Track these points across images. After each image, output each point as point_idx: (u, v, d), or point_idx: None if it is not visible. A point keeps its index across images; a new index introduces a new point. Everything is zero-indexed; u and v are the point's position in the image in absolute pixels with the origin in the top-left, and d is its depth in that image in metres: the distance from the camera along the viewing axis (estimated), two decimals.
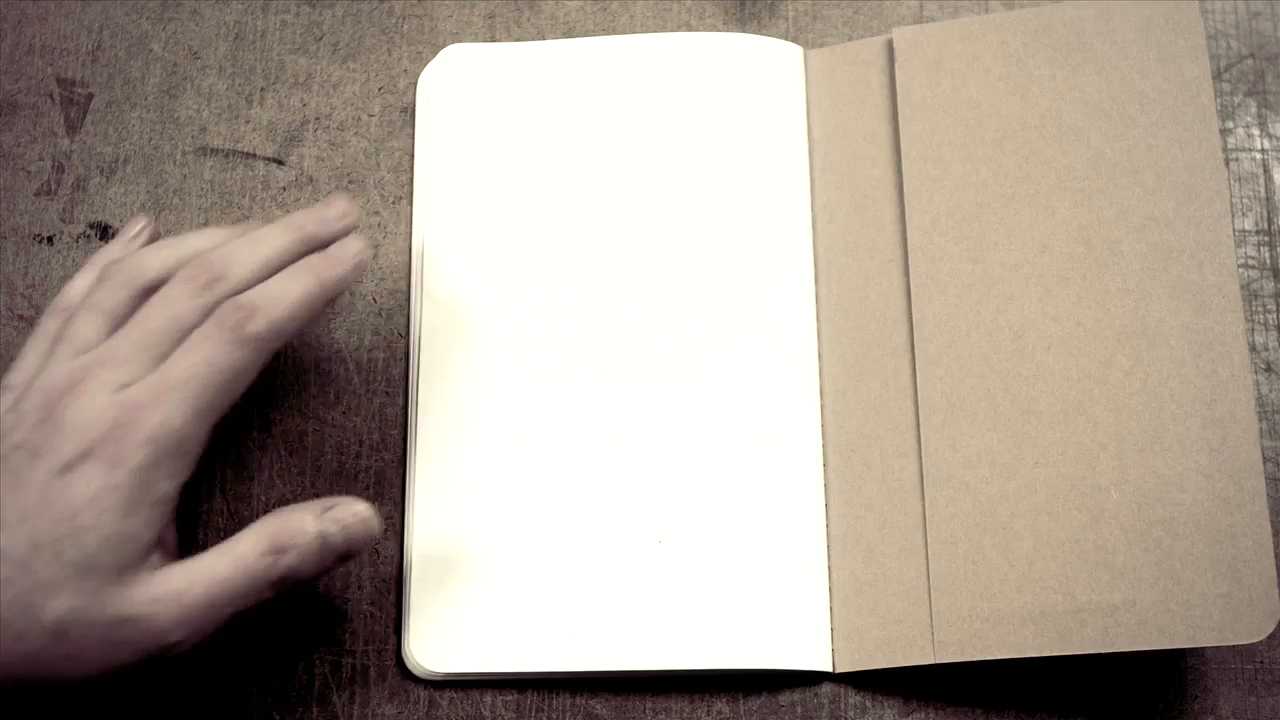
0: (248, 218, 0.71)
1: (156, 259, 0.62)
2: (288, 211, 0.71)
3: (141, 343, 0.59)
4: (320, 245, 0.63)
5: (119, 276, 0.62)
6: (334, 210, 0.64)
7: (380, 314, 0.70)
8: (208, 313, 0.60)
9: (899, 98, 0.69)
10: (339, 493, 0.66)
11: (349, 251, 0.63)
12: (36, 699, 0.58)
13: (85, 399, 0.58)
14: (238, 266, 0.61)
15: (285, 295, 0.60)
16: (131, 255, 0.63)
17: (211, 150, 0.73)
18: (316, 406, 0.69)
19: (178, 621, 0.57)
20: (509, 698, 0.65)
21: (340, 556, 0.60)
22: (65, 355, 0.60)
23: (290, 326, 0.60)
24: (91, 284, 0.63)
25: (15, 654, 0.56)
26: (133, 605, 0.57)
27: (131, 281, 0.61)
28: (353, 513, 0.60)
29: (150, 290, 0.61)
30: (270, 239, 0.62)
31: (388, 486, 0.68)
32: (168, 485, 0.58)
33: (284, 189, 0.72)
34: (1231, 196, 0.71)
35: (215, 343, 0.58)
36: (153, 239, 0.67)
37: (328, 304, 0.62)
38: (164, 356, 0.59)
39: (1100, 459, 0.63)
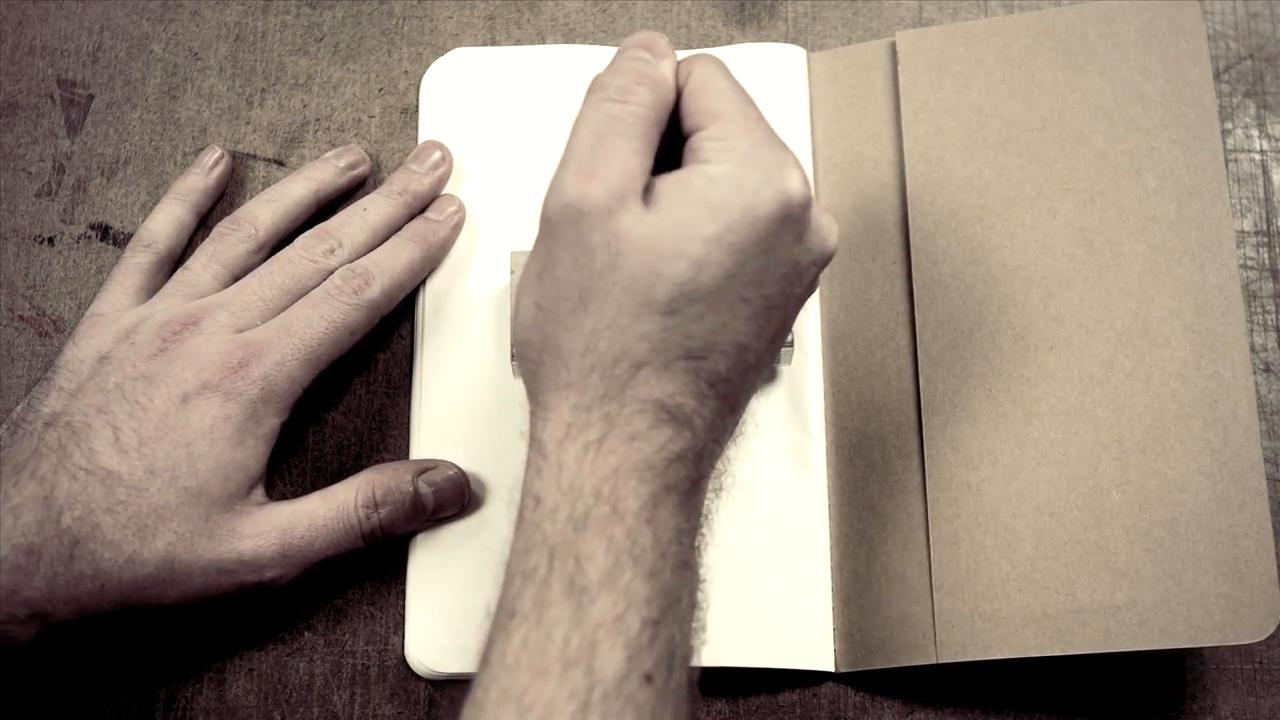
0: None
1: (267, 215, 0.68)
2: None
3: (263, 294, 0.64)
4: (423, 204, 0.70)
5: (236, 231, 0.67)
6: (427, 162, 0.71)
7: None
8: (324, 276, 0.65)
9: (902, 100, 0.69)
10: None
11: (447, 213, 0.70)
12: (132, 623, 0.61)
13: (205, 336, 0.62)
14: (352, 238, 0.67)
15: (395, 264, 0.67)
16: (243, 211, 0.68)
17: None
18: (316, 406, 0.69)
19: (277, 557, 0.61)
20: None
21: (430, 516, 0.65)
22: (183, 296, 0.65)
23: (399, 294, 0.67)
24: (173, 218, 0.69)
25: (126, 577, 0.59)
26: (238, 536, 0.61)
27: (250, 238, 0.67)
28: (445, 476, 0.65)
29: (264, 245, 0.68)
30: (377, 208, 0.69)
31: None
32: (274, 422, 0.62)
33: None
34: (1231, 198, 0.71)
35: (335, 303, 0.64)
36: (227, 170, 0.72)
37: (432, 268, 0.70)
38: (279, 311, 0.64)
39: (1102, 460, 0.63)
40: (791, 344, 0.65)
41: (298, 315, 0.63)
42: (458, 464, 0.66)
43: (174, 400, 0.60)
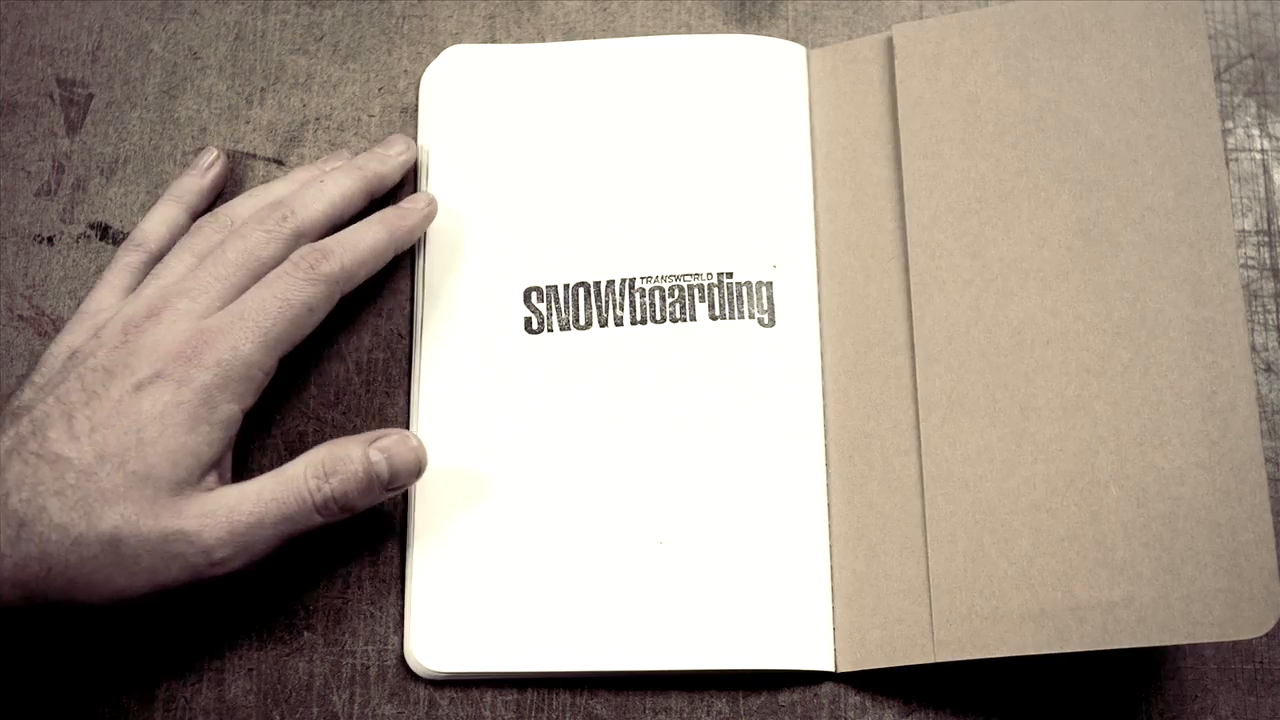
0: None
1: (244, 207, 0.68)
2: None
3: (218, 274, 0.64)
4: (384, 185, 0.70)
5: (213, 224, 0.67)
6: (394, 149, 0.71)
7: (380, 314, 0.70)
8: (281, 248, 0.65)
9: (898, 94, 0.69)
10: None
11: (418, 205, 0.69)
12: (86, 617, 0.61)
13: (165, 325, 0.62)
14: (306, 205, 0.67)
15: (358, 242, 0.66)
16: (225, 207, 0.68)
17: None
18: (316, 406, 0.69)
19: (225, 537, 0.60)
20: (509, 697, 0.65)
21: (386, 485, 0.63)
22: (153, 290, 0.64)
23: (360, 270, 0.66)
24: (167, 218, 0.69)
25: (73, 559, 0.58)
26: (184, 518, 0.60)
27: (224, 229, 0.67)
28: (401, 443, 0.64)
29: None
30: (335, 180, 0.68)
31: None
32: (231, 408, 0.62)
33: None
34: (1231, 197, 0.71)
35: (290, 280, 0.63)
36: (224, 171, 0.72)
37: (396, 251, 0.68)
38: (239, 288, 0.64)
39: (1099, 454, 0.62)
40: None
41: (253, 297, 0.63)
42: (419, 435, 0.65)
43: (128, 389, 0.60)
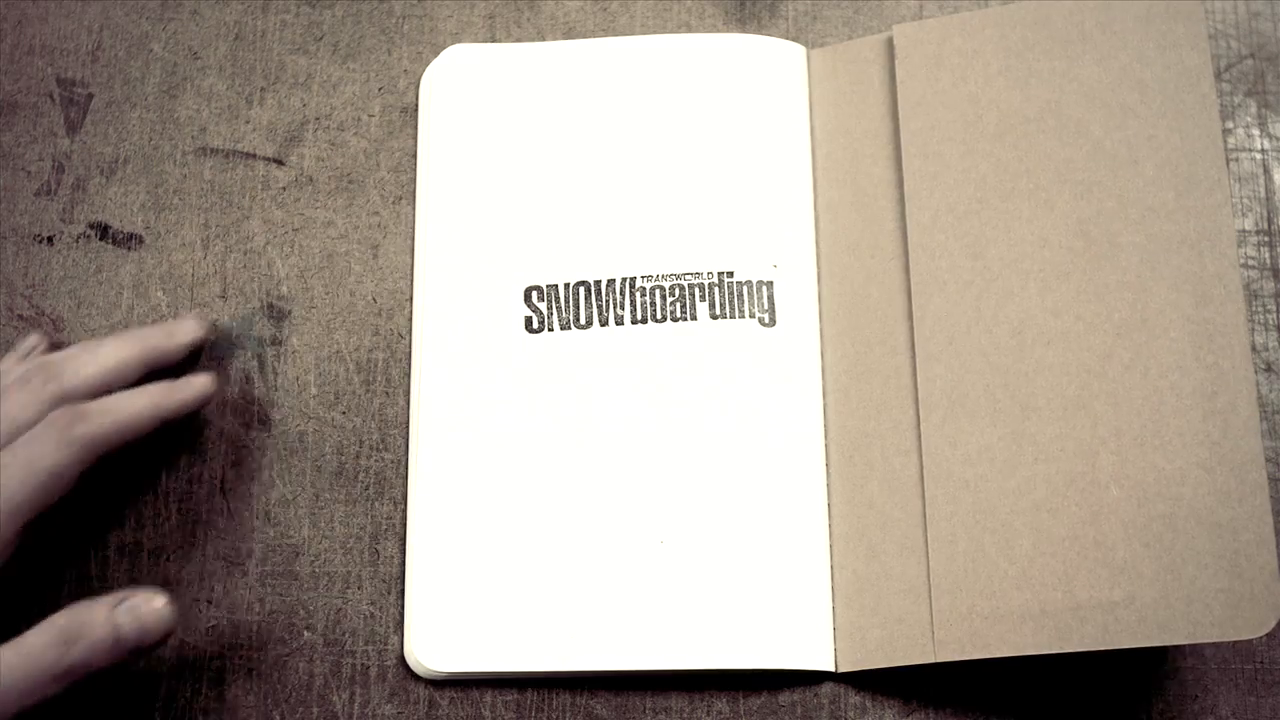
0: (247, 218, 0.71)
1: (22, 367, 0.64)
2: (287, 211, 0.72)
3: None
4: (164, 359, 0.66)
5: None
6: (183, 327, 0.67)
7: (380, 314, 0.70)
8: (42, 411, 0.62)
9: (899, 94, 0.69)
10: (339, 492, 0.67)
11: (193, 384, 0.65)
12: None
13: None
14: (74, 370, 0.64)
15: (119, 408, 0.62)
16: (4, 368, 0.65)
17: (211, 150, 0.73)
18: (316, 406, 0.69)
19: None
20: (509, 697, 0.65)
21: (134, 649, 0.59)
22: None
23: (116, 436, 0.62)
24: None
25: None
26: None
27: None
28: (147, 606, 0.59)
29: None
30: (111, 347, 0.65)
31: (388, 486, 0.68)
32: None
33: (284, 189, 0.72)
34: (1231, 197, 0.71)
35: (41, 442, 0.60)
36: (50, 350, 0.68)
37: (162, 424, 0.64)
38: None
39: (1100, 454, 0.62)
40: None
41: None
42: (164, 593, 0.61)
43: None
